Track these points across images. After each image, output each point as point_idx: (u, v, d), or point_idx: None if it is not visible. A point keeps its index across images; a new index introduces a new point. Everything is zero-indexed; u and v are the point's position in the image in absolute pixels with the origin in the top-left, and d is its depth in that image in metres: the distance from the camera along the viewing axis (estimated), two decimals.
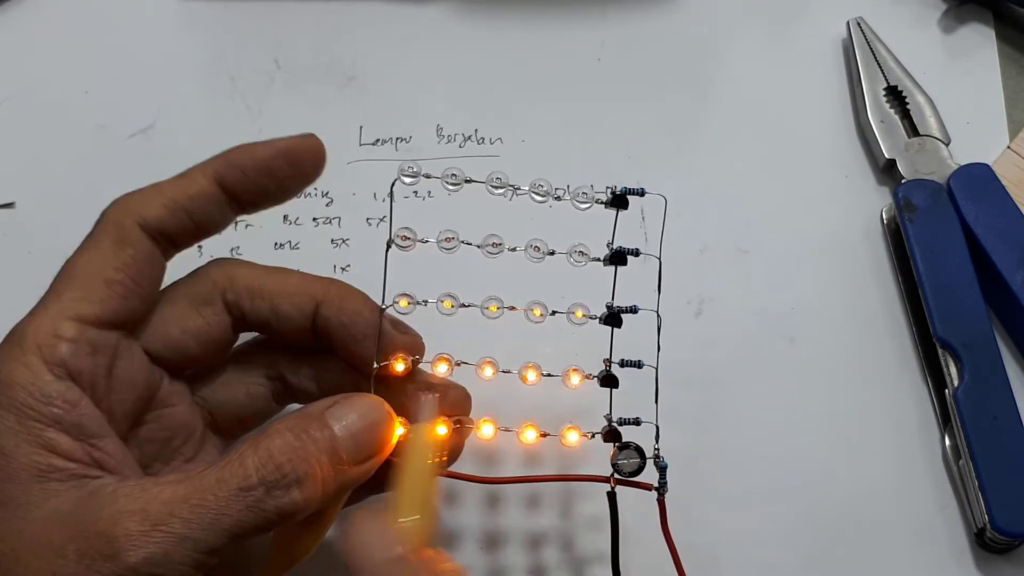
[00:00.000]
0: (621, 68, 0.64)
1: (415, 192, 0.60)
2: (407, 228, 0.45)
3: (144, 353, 0.44)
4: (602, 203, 0.45)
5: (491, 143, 0.62)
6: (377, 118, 0.62)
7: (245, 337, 0.48)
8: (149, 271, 0.43)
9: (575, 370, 0.47)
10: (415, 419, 0.44)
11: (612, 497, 0.46)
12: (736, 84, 0.63)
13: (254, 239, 0.59)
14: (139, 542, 0.37)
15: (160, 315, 0.45)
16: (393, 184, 0.45)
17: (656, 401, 0.46)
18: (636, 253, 0.45)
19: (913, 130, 0.60)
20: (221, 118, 0.62)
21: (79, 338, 0.41)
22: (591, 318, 0.46)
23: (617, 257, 0.45)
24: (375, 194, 0.60)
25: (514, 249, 0.45)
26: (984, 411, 0.53)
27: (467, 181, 0.45)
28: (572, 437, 0.46)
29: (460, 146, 0.62)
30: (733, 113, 0.62)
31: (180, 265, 0.46)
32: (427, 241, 0.45)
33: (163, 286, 0.45)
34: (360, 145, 0.62)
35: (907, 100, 0.60)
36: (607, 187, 0.45)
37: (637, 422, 0.45)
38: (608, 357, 0.46)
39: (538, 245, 0.45)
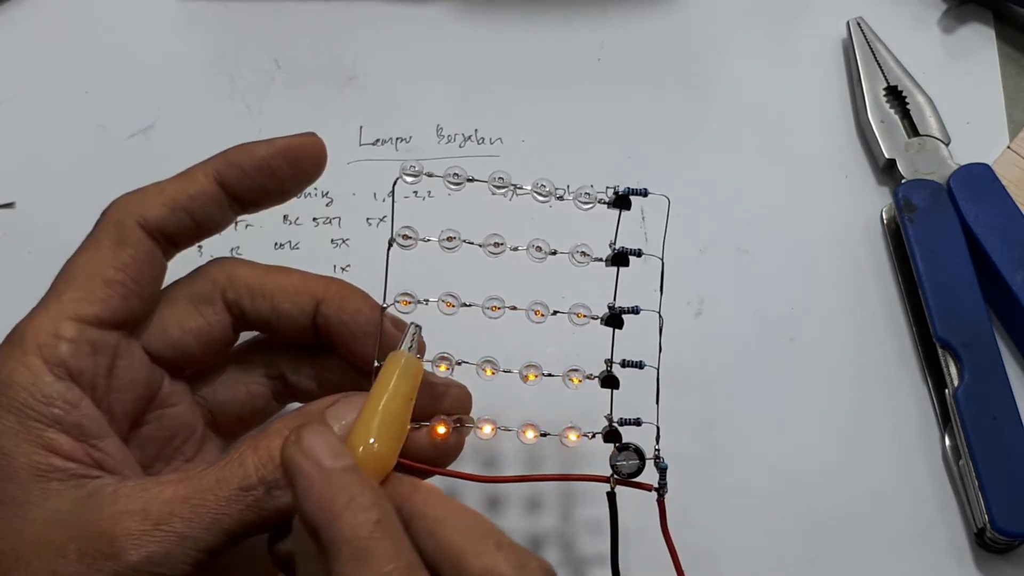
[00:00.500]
0: (621, 68, 0.64)
1: (415, 192, 0.60)
2: (408, 227, 0.45)
3: (145, 353, 0.44)
4: (605, 203, 0.45)
5: (491, 143, 0.62)
6: (377, 118, 0.62)
7: (245, 336, 0.48)
8: (149, 271, 0.43)
9: (576, 371, 0.46)
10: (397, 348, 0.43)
11: (612, 497, 0.46)
12: (736, 84, 0.63)
13: (254, 239, 0.59)
14: (140, 541, 0.37)
15: (160, 315, 0.45)
16: (395, 183, 0.45)
17: (657, 402, 0.45)
18: (639, 254, 0.45)
19: (913, 130, 0.60)
20: (221, 118, 0.62)
21: (79, 338, 0.41)
22: (592, 318, 0.46)
23: (619, 258, 0.45)
24: (375, 194, 0.60)
25: (516, 249, 0.45)
26: (984, 411, 0.53)
27: (469, 180, 0.45)
28: (572, 437, 0.46)
29: (460, 146, 0.62)
30: (733, 113, 0.62)
31: (180, 265, 0.46)
32: (428, 240, 0.45)
33: (164, 286, 0.45)
34: (360, 145, 0.62)
35: (907, 100, 0.60)
36: (609, 187, 0.45)
37: (638, 422, 0.45)
38: (609, 358, 0.46)
39: (540, 245, 0.45)
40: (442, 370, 0.46)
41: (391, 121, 0.62)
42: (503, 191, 0.45)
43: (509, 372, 0.47)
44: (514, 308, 0.46)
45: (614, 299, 0.45)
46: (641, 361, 0.45)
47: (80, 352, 0.41)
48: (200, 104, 0.63)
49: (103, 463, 0.40)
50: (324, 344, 0.46)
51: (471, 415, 0.47)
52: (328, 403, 0.42)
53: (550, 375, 0.47)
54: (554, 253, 0.45)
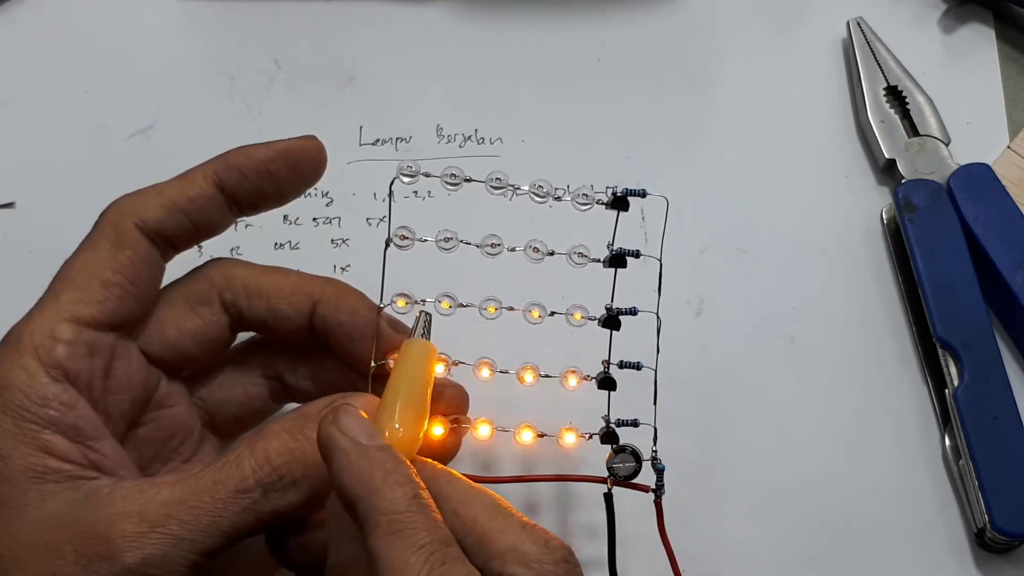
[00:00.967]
0: (621, 68, 0.64)
1: (415, 192, 0.60)
2: (405, 227, 0.45)
3: (141, 354, 0.44)
4: (603, 204, 0.45)
5: (491, 143, 0.62)
6: (377, 118, 0.62)
7: (243, 337, 0.48)
8: (147, 272, 0.43)
9: (573, 372, 0.46)
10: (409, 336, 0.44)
11: (609, 498, 0.46)
12: (736, 84, 0.63)
13: (254, 239, 0.59)
14: (136, 543, 0.37)
15: (157, 316, 0.45)
16: (392, 183, 0.45)
17: (655, 403, 0.45)
18: (637, 255, 0.45)
19: (913, 130, 0.60)
20: (221, 118, 0.62)
21: (76, 340, 0.41)
22: (590, 319, 0.45)
23: (617, 260, 0.45)
24: (375, 194, 0.60)
25: (513, 249, 0.45)
26: (984, 411, 0.52)
27: (467, 180, 0.45)
28: (569, 438, 0.46)
29: (460, 146, 0.62)
30: (733, 113, 0.62)
31: (180, 264, 0.46)
32: (426, 240, 0.45)
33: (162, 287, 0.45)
34: (360, 145, 0.62)
35: (907, 100, 0.60)
36: (608, 187, 0.45)
37: (635, 424, 0.45)
38: (607, 359, 0.46)
39: (537, 246, 0.45)
40: (439, 370, 0.46)
41: (391, 121, 0.62)
42: (501, 191, 0.45)
43: (506, 373, 0.47)
44: (511, 309, 0.46)
45: (612, 301, 0.45)
46: (639, 362, 0.45)
47: (77, 354, 0.41)
48: (200, 104, 0.63)
49: (99, 464, 0.40)
50: (321, 345, 0.46)
51: (468, 415, 0.47)
52: (325, 403, 0.42)
53: (547, 376, 0.47)
54: (552, 254, 0.45)
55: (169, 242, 0.44)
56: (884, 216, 0.59)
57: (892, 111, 0.60)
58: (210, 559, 0.39)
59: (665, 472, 0.45)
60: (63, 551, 0.37)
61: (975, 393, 0.53)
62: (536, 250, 0.45)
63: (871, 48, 0.61)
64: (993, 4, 0.64)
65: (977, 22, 0.64)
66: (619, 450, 0.45)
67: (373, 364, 0.45)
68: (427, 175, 0.45)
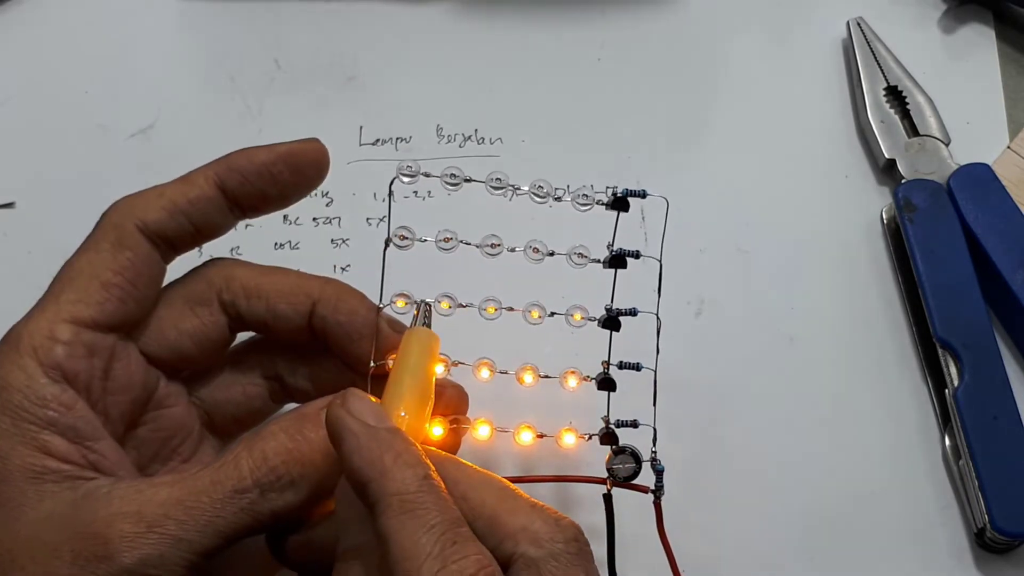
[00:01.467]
0: (621, 68, 0.64)
1: (415, 192, 0.60)
2: (405, 227, 0.45)
3: (141, 354, 0.44)
4: (603, 204, 0.45)
5: (491, 143, 0.62)
6: (377, 118, 0.62)
7: (243, 337, 0.48)
8: (147, 274, 0.43)
9: (573, 372, 0.46)
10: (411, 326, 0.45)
11: (608, 499, 0.46)
12: (736, 84, 0.63)
13: (254, 239, 0.59)
14: (134, 544, 0.37)
15: (157, 316, 0.45)
16: (392, 183, 0.45)
17: (654, 404, 0.45)
18: (637, 255, 0.45)
19: (913, 130, 0.60)
20: (221, 118, 0.62)
21: (75, 340, 0.41)
22: (590, 320, 0.45)
23: (617, 260, 0.45)
24: (375, 194, 0.60)
25: (513, 250, 0.45)
26: (984, 411, 0.52)
27: (467, 180, 0.45)
28: (568, 439, 0.46)
29: (460, 146, 0.62)
30: (733, 113, 0.62)
31: (180, 265, 0.46)
32: (425, 240, 0.45)
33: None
34: (360, 145, 0.62)
35: (907, 100, 0.60)
36: (608, 188, 0.45)
37: (635, 424, 0.45)
38: (606, 360, 0.46)
39: (537, 247, 0.45)
40: (438, 371, 0.46)
41: (391, 121, 0.62)
42: (501, 191, 0.45)
43: (506, 373, 0.47)
44: (511, 309, 0.46)
45: (611, 301, 0.45)
46: (639, 363, 0.45)
47: (76, 354, 0.41)
48: (200, 104, 0.63)
49: (98, 464, 0.40)
50: (320, 345, 0.46)
51: (467, 416, 0.47)
52: (323, 404, 0.42)
53: (547, 376, 0.47)
54: (552, 254, 0.45)
55: (170, 244, 0.44)
56: (884, 216, 0.59)
57: (892, 111, 0.60)
58: (208, 559, 0.39)
59: (664, 473, 0.45)
60: (61, 551, 0.37)
61: (975, 393, 0.53)
62: (536, 250, 0.45)
63: (871, 48, 0.61)
64: (993, 4, 0.64)
65: (977, 22, 0.64)
66: (619, 451, 0.45)
67: (372, 364, 0.45)
68: (427, 175, 0.45)
